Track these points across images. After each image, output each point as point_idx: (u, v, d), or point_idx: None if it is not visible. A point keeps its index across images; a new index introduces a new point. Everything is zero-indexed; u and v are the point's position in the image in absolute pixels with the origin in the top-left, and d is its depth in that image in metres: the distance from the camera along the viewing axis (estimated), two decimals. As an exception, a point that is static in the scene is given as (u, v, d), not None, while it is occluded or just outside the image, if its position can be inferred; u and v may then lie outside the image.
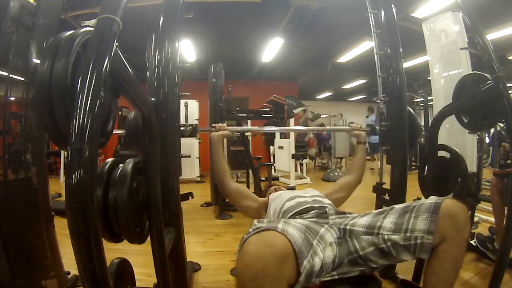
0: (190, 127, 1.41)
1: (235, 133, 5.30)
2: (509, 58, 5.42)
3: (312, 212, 1.15)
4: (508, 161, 2.08)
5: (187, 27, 1.36)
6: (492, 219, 2.30)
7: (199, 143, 5.12)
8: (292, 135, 5.13)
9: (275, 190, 1.54)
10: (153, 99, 1.18)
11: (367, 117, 7.37)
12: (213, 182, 3.56)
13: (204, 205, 3.66)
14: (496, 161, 4.36)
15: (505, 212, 1.68)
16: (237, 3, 3.81)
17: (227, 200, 1.48)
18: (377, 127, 1.73)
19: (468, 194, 1.69)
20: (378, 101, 1.79)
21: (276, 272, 0.67)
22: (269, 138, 6.02)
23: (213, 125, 1.44)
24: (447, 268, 0.87)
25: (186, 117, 4.96)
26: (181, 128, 1.40)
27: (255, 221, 1.11)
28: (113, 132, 0.81)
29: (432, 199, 0.92)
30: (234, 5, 3.85)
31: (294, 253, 0.75)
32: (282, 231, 0.78)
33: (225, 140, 1.49)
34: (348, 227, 0.99)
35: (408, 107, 1.68)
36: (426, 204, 0.90)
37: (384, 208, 1.04)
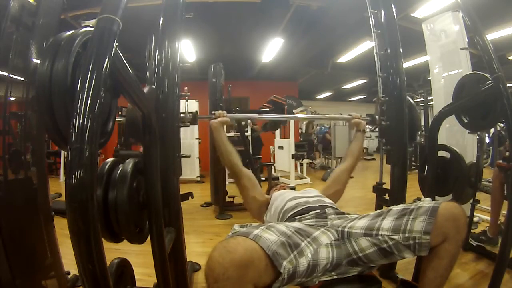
0: (190, 114, 1.42)
1: (235, 133, 5.33)
2: (509, 58, 5.41)
3: (311, 212, 1.16)
4: None
5: (187, 27, 1.36)
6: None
7: (199, 143, 5.12)
8: (292, 135, 5.13)
9: (280, 189, 1.58)
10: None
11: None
12: (213, 182, 3.56)
13: (204, 205, 3.66)
14: (496, 160, 4.35)
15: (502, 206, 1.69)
16: (237, 3, 3.80)
17: (236, 185, 1.45)
18: (376, 117, 1.74)
19: (469, 184, 1.69)
20: (378, 101, 1.80)
21: (237, 276, 0.73)
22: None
23: (213, 112, 1.45)
24: (446, 265, 0.94)
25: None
26: (181, 115, 1.39)
27: (235, 225, 1.13)
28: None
29: (430, 202, 0.96)
30: (234, 5, 3.84)
31: (266, 257, 0.80)
32: (255, 237, 0.83)
33: (225, 127, 1.50)
34: (346, 229, 1.01)
35: (409, 98, 1.70)
36: (424, 207, 0.94)
37: (382, 210, 1.07)
